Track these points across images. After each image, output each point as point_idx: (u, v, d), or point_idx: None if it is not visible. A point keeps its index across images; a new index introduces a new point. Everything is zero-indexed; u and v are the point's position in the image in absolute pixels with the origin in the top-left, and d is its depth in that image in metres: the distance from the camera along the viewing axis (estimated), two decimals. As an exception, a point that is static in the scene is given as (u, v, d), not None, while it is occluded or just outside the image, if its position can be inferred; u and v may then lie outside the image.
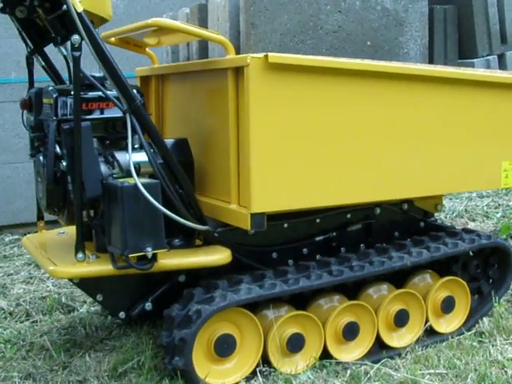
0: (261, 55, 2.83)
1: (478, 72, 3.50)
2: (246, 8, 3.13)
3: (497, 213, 5.65)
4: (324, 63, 2.99)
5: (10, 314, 3.90)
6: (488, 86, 3.45)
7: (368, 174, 3.17)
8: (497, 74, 3.59)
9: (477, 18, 3.78)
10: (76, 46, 2.67)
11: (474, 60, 3.70)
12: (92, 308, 3.92)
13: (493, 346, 3.38)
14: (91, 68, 2.97)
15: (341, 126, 3.07)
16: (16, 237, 5.38)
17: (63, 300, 4.04)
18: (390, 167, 3.23)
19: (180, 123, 3.60)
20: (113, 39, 3.63)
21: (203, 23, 3.49)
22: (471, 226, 5.42)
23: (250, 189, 2.87)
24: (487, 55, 3.80)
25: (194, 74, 3.41)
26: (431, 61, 3.47)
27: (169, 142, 3.12)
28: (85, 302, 4.01)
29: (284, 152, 2.93)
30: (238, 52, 3.11)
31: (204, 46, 3.55)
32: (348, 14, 3.33)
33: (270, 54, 2.83)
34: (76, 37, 2.66)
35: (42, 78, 3.39)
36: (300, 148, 2.97)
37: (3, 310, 3.94)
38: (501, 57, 3.90)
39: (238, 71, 2.92)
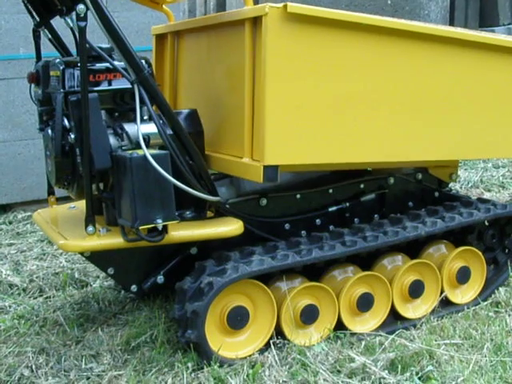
0: (280, 5, 2.75)
1: (500, 37, 3.43)
2: None
3: (512, 183, 5.61)
4: (344, 17, 2.91)
5: (24, 290, 3.89)
6: (510, 52, 3.39)
7: (384, 134, 3.12)
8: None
9: (499, -17, 3.74)
10: (81, 15, 2.62)
11: (495, 28, 3.64)
12: (105, 283, 3.91)
13: (509, 315, 3.36)
14: (100, 41, 2.93)
15: (358, 85, 3.01)
16: (29, 214, 5.35)
17: (76, 275, 4.03)
18: (406, 128, 3.18)
19: (195, 80, 3.55)
20: None
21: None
22: (487, 196, 5.38)
23: (263, 141, 2.82)
24: (509, 24, 3.74)
25: (210, 29, 3.35)
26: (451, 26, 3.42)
27: (178, 112, 3.08)
28: (98, 277, 3.99)
29: (299, 106, 2.87)
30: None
31: (221, 1, 3.52)
32: None
33: (289, 3, 2.75)
34: (81, 6, 2.61)
35: (50, 53, 3.35)
36: (315, 102, 2.91)
37: (17, 286, 3.93)
38: (522, 26, 3.87)
39: (256, 22, 2.85)
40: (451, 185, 3.95)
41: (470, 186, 5.74)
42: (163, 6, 3.74)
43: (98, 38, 2.90)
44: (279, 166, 2.86)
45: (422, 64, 3.16)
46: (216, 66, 3.29)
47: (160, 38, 3.84)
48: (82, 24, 2.63)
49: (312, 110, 2.90)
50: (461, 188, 5.67)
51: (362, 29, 2.95)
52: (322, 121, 2.94)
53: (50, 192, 3.40)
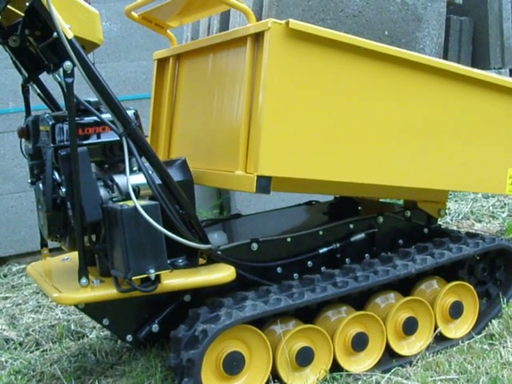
0: (282, 21, 2.87)
1: (493, 75, 3.53)
2: None
3: (503, 212, 5.65)
4: (344, 39, 3.02)
5: (20, 344, 3.89)
6: (502, 91, 3.48)
7: (375, 157, 3.18)
8: (509, 80, 3.61)
9: (491, 30, 3.89)
10: (68, 72, 2.69)
11: (487, 71, 3.72)
12: (102, 333, 3.91)
13: (504, 347, 3.37)
14: (89, 92, 2.98)
15: (352, 106, 3.10)
16: (23, 266, 5.37)
17: (72, 327, 4.03)
18: (397, 153, 3.24)
19: (193, 100, 3.62)
20: (135, 15, 3.69)
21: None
22: (477, 227, 5.41)
23: (258, 151, 2.88)
24: (499, 68, 3.86)
25: (212, 49, 3.44)
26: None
27: (167, 162, 3.13)
28: (94, 327, 4.00)
29: (295, 120, 2.95)
30: (259, 24, 3.19)
31: (225, 27, 3.61)
32: (369, 1, 3.41)
33: (291, 20, 2.86)
34: (68, 63, 2.67)
35: (39, 106, 3.40)
36: (311, 119, 3.00)
37: (13, 340, 3.93)
38: (512, 71, 4.00)
39: (258, 38, 2.96)
40: (442, 218, 3.99)
41: (460, 217, 5.78)
42: (167, 30, 3.85)
43: (86, 89, 2.94)
44: (272, 177, 2.92)
45: (416, 93, 3.25)
46: (215, 83, 3.37)
47: (161, 63, 3.94)
48: (69, 80, 2.70)
49: (307, 126, 2.99)
50: (451, 220, 5.70)
51: (361, 53, 3.06)
52: (316, 138, 3.01)
53: (43, 244, 3.43)
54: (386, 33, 3.42)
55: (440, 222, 4.58)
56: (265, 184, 2.89)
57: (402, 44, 3.39)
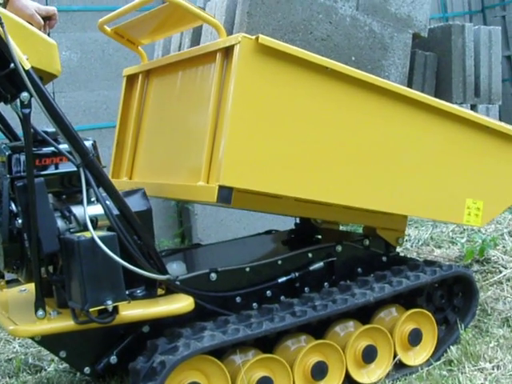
0: (252, 36, 2.94)
1: (456, 107, 3.64)
2: None
3: (462, 238, 5.67)
4: (311, 58, 3.10)
5: (-25, 380, 3.83)
6: (464, 123, 3.56)
7: (335, 176, 3.23)
8: (474, 114, 3.71)
9: (454, 66, 3.98)
10: (25, 103, 2.68)
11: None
12: (60, 366, 3.85)
13: (462, 373, 3.40)
14: (48, 123, 2.98)
15: (316, 124, 3.16)
16: (-20, 297, 5.29)
17: (30, 360, 3.97)
18: (358, 174, 3.29)
19: (161, 115, 3.66)
20: (108, 29, 3.72)
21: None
22: (437, 253, 5.46)
23: (221, 162, 2.91)
24: (461, 103, 3.96)
25: (181, 64, 3.50)
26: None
27: (125, 192, 3.13)
28: (52, 360, 3.94)
29: (259, 134, 3.01)
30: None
31: (196, 40, 3.68)
32: (338, 26, 3.47)
33: (261, 35, 2.94)
34: (25, 94, 2.67)
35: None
36: (275, 134, 3.05)
37: (-32, 376, 3.87)
38: (473, 107, 4.10)
39: (228, 52, 3.04)
40: (403, 244, 4.04)
41: (420, 244, 5.80)
42: (138, 47, 3.89)
43: (45, 119, 2.94)
44: (233, 188, 2.95)
45: (379, 117, 3.33)
46: (183, 98, 3.42)
47: (130, 79, 3.97)
48: (26, 111, 2.69)
49: (270, 140, 3.04)
50: (411, 246, 5.73)
51: (328, 74, 3.14)
52: (278, 153, 3.07)
53: (0, 275, 3.39)
54: (353, 58, 3.49)
55: (400, 248, 4.65)
56: (226, 194, 2.93)
57: (368, 70, 3.46)
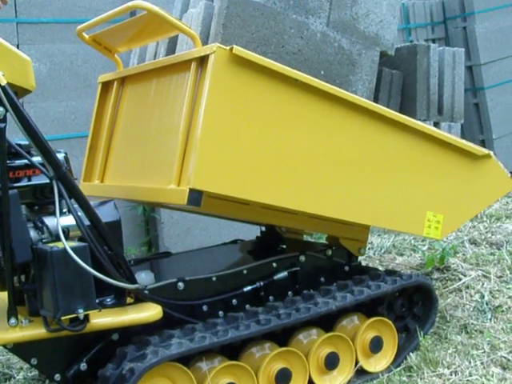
0: (227, 47, 3.04)
1: (420, 123, 3.77)
2: (220, 12, 3.38)
3: (424, 245, 5.77)
4: (283, 70, 3.21)
5: None
6: (426, 138, 3.69)
7: (302, 183, 3.32)
8: (437, 130, 3.83)
9: (419, 85, 4.10)
10: (1, 117, 2.73)
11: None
12: (29, 374, 3.89)
13: (421, 379, 3.51)
14: (17, 132, 3.03)
15: (285, 133, 3.26)
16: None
17: (-1, 368, 4.00)
18: (322, 182, 3.39)
19: (134, 121, 3.73)
20: (86, 37, 3.78)
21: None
22: (399, 260, 5.54)
23: (193, 165, 2.99)
24: (424, 120, 4.08)
25: (156, 72, 3.58)
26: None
27: (95, 204, 3.20)
28: (22, 368, 3.97)
29: (229, 140, 3.09)
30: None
31: (171, 50, 3.81)
32: (308, 41, 3.59)
33: (235, 46, 3.04)
34: (0, 109, 2.72)
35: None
36: (245, 141, 3.14)
37: None
38: (436, 124, 4.22)
39: (203, 61, 3.13)
40: (365, 251, 4.14)
41: (382, 251, 5.88)
42: (115, 54, 3.97)
43: (15, 128, 2.99)
44: (204, 192, 3.03)
45: (345, 129, 3.44)
46: (156, 104, 3.50)
47: (105, 86, 4.04)
48: (2, 125, 2.74)
49: (241, 147, 3.13)
50: (374, 254, 5.81)
51: (297, 86, 3.25)
52: (248, 159, 3.15)
53: (-28, 284, 3.43)
54: (322, 72, 3.60)
55: (364, 256, 4.75)
56: (196, 197, 3.00)
57: (336, 84, 3.57)
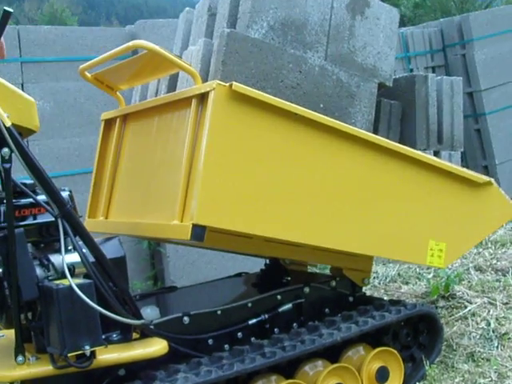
0: (226, 83, 3.10)
1: (419, 152, 3.81)
2: (219, 49, 3.43)
3: (429, 273, 5.76)
4: (282, 105, 3.26)
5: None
6: (426, 167, 3.73)
7: (305, 216, 3.35)
8: (437, 159, 3.87)
9: (418, 114, 4.14)
10: (6, 158, 2.78)
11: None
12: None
13: (428, 410, 3.51)
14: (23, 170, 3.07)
15: (286, 167, 3.30)
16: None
17: (6, 404, 4.00)
18: (324, 215, 3.42)
19: (137, 157, 3.78)
20: (88, 75, 3.85)
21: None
22: (404, 289, 5.54)
23: (195, 201, 3.03)
24: (424, 149, 4.11)
25: (158, 109, 3.64)
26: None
27: (100, 241, 3.24)
28: (29, 403, 3.98)
29: (232, 176, 3.13)
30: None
31: (172, 87, 3.86)
32: (307, 75, 3.64)
33: (234, 83, 3.09)
34: (6, 150, 2.77)
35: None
36: (247, 176, 3.18)
37: None
38: (436, 153, 4.25)
39: (203, 98, 3.18)
40: (370, 280, 4.15)
41: (388, 280, 5.88)
42: (117, 92, 4.03)
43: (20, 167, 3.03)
44: (207, 227, 3.05)
45: (345, 161, 3.48)
46: (159, 141, 3.54)
47: (108, 123, 4.11)
48: (7, 166, 2.79)
49: (243, 182, 3.17)
50: (379, 283, 5.81)
51: (297, 120, 3.30)
52: (250, 194, 3.19)
53: (-21, 322, 3.46)
54: (321, 105, 3.65)
55: (369, 286, 4.75)
56: (199, 233, 3.02)
57: (335, 117, 3.61)
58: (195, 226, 3.02)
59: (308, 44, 3.68)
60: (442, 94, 4.33)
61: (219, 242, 3.47)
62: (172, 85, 3.90)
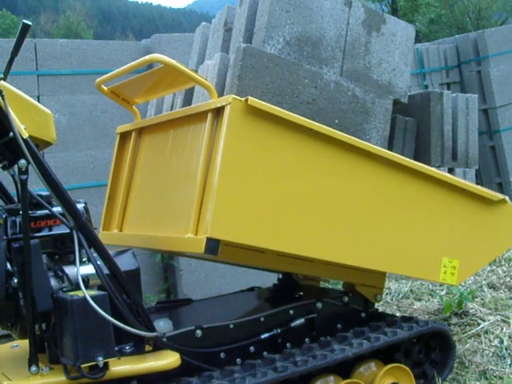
0: (242, 98, 3.11)
1: (434, 169, 3.81)
2: (235, 63, 3.45)
3: (442, 290, 5.76)
4: (298, 120, 3.27)
5: None
6: (440, 185, 3.72)
7: (318, 232, 3.36)
8: (451, 176, 3.87)
9: (433, 132, 4.15)
10: (23, 169, 2.81)
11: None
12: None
13: (439, 427, 3.50)
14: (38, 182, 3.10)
15: (300, 183, 3.31)
16: (-30, 352, 5.32)
17: (20, 414, 4.00)
18: (339, 231, 3.42)
19: (152, 171, 3.80)
20: (105, 89, 3.88)
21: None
22: (417, 305, 5.53)
23: (210, 215, 3.04)
24: (439, 166, 4.12)
25: (173, 123, 3.66)
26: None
27: (114, 253, 3.26)
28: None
29: (247, 190, 3.15)
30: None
31: (188, 101, 3.89)
32: (322, 91, 3.66)
33: (250, 97, 3.10)
34: (23, 161, 2.81)
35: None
36: (262, 190, 3.19)
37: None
38: (451, 171, 4.27)
39: (219, 112, 3.20)
40: (382, 297, 4.15)
41: (400, 297, 5.88)
42: (133, 105, 4.06)
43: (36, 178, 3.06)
44: (221, 241, 3.07)
45: (360, 177, 3.49)
46: (174, 155, 3.56)
47: (123, 137, 4.14)
48: (24, 177, 2.82)
49: (258, 196, 3.18)
50: (392, 300, 5.81)
51: (312, 135, 3.31)
52: (265, 208, 3.20)
53: (-8, 332, 3.49)
54: (337, 121, 3.67)
55: (381, 302, 4.74)
56: (213, 246, 3.05)
57: (350, 133, 3.62)
58: (209, 240, 3.04)
59: (324, 60, 3.71)
60: (458, 111, 4.34)
61: (232, 256, 3.47)
62: (187, 99, 3.93)
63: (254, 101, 3.14)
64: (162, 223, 3.50)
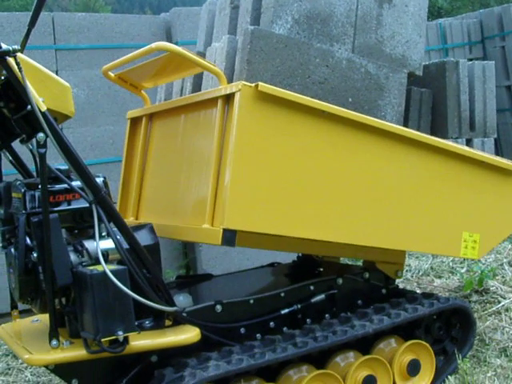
0: (252, 84, 3.06)
1: (451, 143, 3.76)
2: (244, 47, 3.37)
3: (462, 267, 5.75)
4: (310, 103, 3.22)
5: (-12, 406, 3.91)
6: (458, 158, 3.68)
7: (336, 215, 3.34)
8: (469, 149, 3.82)
9: (449, 102, 4.07)
10: (41, 143, 2.80)
11: (444, 140, 3.93)
12: (70, 394, 3.93)
13: (459, 403, 3.48)
14: (57, 158, 3.09)
15: (316, 166, 3.27)
16: (-9, 327, 5.36)
17: (41, 389, 4.04)
18: (356, 212, 3.40)
19: (164, 158, 3.77)
20: (112, 75, 3.86)
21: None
22: (437, 283, 5.52)
23: (225, 206, 3.02)
24: (456, 138, 4.05)
25: (184, 109, 3.63)
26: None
27: (134, 227, 3.25)
28: (62, 388, 4.03)
29: (261, 177, 3.12)
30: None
31: (197, 84, 3.83)
32: (334, 69, 3.58)
33: (260, 83, 3.06)
34: (41, 135, 2.79)
35: (10, 171, 3.51)
36: (276, 177, 3.16)
37: (-20, 402, 3.94)
38: (469, 141, 4.19)
39: (229, 99, 3.16)
40: (403, 273, 4.12)
41: (420, 274, 5.87)
42: (141, 90, 4.03)
43: (55, 154, 3.05)
44: (237, 231, 3.05)
45: (376, 156, 3.44)
46: (185, 142, 3.53)
47: (134, 122, 4.11)
48: (42, 151, 2.81)
49: (272, 183, 3.15)
50: (412, 277, 5.80)
51: (325, 117, 3.26)
52: (280, 195, 3.17)
53: (14, 306, 3.48)
54: (350, 100, 3.60)
55: (401, 279, 4.72)
56: (230, 237, 3.03)
57: (365, 111, 3.57)
58: (226, 231, 3.02)
59: (334, 37, 3.63)
60: (474, 80, 4.25)
61: (250, 243, 3.46)
62: (197, 82, 3.87)
63: (264, 86, 3.09)
64: (178, 212, 3.48)
